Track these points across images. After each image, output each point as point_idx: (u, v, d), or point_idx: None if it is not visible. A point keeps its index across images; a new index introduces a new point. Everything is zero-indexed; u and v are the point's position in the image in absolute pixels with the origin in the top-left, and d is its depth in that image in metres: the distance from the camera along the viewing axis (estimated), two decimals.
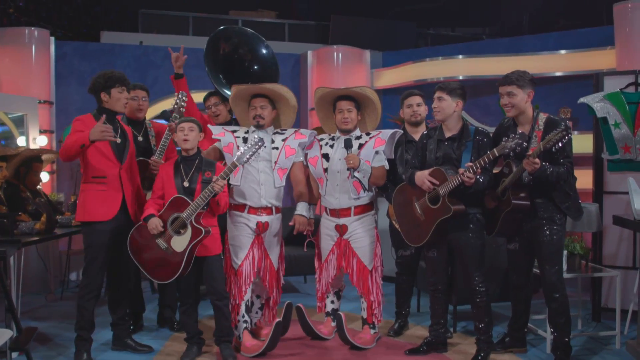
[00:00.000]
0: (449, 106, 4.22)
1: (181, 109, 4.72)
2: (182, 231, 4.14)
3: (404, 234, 4.45)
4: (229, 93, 5.07)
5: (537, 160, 3.85)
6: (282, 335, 4.78)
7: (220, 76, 5.30)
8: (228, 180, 4.30)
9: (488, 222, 4.25)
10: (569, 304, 4.16)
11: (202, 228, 4.13)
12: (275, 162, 4.51)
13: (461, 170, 3.98)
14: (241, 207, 4.50)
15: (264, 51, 5.54)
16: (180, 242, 4.15)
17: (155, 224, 4.14)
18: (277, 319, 4.40)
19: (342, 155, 4.54)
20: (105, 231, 4.25)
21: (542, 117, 4.13)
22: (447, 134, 4.26)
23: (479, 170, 3.96)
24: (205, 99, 5.33)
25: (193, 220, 4.12)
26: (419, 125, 4.87)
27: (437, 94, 4.25)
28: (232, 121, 5.22)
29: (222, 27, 5.49)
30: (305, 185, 4.66)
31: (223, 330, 4.38)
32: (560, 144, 3.81)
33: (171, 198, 4.16)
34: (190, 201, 4.13)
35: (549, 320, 4.24)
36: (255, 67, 5.49)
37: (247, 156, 4.14)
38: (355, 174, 4.45)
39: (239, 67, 5.43)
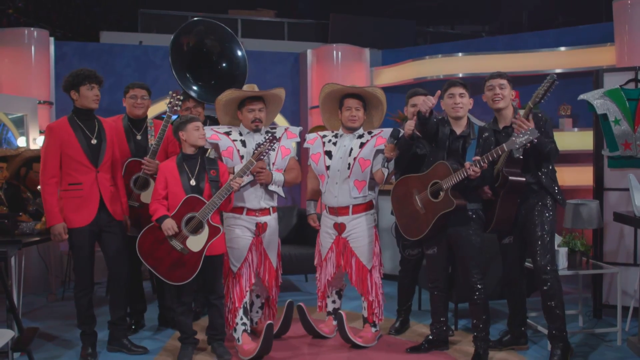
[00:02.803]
0: (468, 102, 4.26)
1: (175, 107, 4.71)
2: (198, 231, 4.15)
3: (402, 227, 4.42)
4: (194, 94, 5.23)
5: (527, 120, 3.91)
6: (283, 334, 4.79)
7: (188, 75, 5.28)
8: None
9: (485, 218, 4.26)
10: (560, 288, 4.14)
11: (219, 226, 4.15)
12: (273, 164, 4.52)
13: (467, 164, 3.98)
14: (239, 210, 4.48)
15: (239, 53, 5.52)
16: (197, 242, 4.15)
17: (170, 225, 4.11)
18: (269, 321, 4.34)
19: (344, 154, 4.55)
20: (83, 232, 4.28)
21: (521, 112, 4.20)
22: (458, 131, 4.26)
23: (485, 164, 3.95)
24: (183, 100, 5.24)
25: (209, 220, 4.13)
26: None
27: (458, 90, 4.22)
28: (207, 121, 5.21)
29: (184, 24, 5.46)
30: (299, 172, 4.73)
31: (217, 328, 4.39)
32: (549, 94, 3.90)
33: (184, 198, 4.14)
34: (205, 200, 4.13)
35: (542, 307, 4.19)
36: (224, 64, 5.47)
37: (265, 154, 4.20)
38: (387, 164, 4.46)
39: (206, 64, 5.41)
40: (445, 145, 4.20)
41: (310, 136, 4.83)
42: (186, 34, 5.36)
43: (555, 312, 4.12)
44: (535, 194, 4.19)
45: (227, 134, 4.58)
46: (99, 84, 4.35)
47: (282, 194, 4.58)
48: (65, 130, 4.27)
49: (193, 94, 5.21)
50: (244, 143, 4.53)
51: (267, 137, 4.25)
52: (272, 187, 4.50)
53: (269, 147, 4.20)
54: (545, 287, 4.12)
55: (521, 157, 4.04)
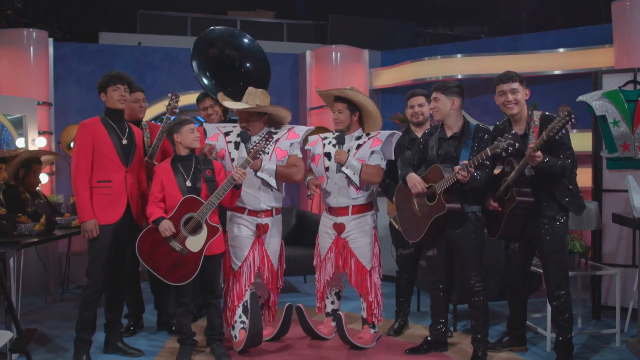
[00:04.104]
0: (444, 105, 4.23)
1: (174, 109, 4.76)
2: (196, 232, 4.14)
3: (403, 229, 4.47)
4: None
5: (539, 153, 3.86)
6: (282, 336, 4.78)
7: (213, 81, 5.24)
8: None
9: (491, 224, 4.25)
10: (571, 301, 4.17)
11: (217, 226, 4.15)
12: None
13: (456, 168, 3.99)
14: (241, 210, 4.50)
15: (247, 41, 5.45)
16: (196, 242, 4.14)
17: (167, 226, 4.10)
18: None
19: None
20: (107, 232, 4.26)
21: (537, 114, 4.16)
22: (449, 133, 4.26)
23: (472, 168, 3.96)
24: (200, 99, 5.28)
25: (208, 220, 4.12)
26: (422, 125, 4.86)
27: (432, 95, 4.28)
28: (227, 122, 5.21)
29: (203, 34, 5.37)
30: (300, 170, 4.56)
31: (216, 329, 4.40)
32: (564, 131, 3.80)
33: (182, 199, 4.13)
34: (202, 200, 4.13)
35: (552, 318, 4.24)
36: (248, 64, 5.45)
37: (260, 152, 4.17)
38: (343, 169, 4.46)
39: (229, 69, 5.38)
40: (435, 160, 4.23)
41: (311, 138, 4.84)
42: (211, 45, 5.32)
43: (565, 325, 4.14)
44: (546, 205, 4.12)
45: (227, 134, 4.60)
46: (125, 84, 4.35)
47: (274, 184, 4.43)
48: (98, 128, 4.29)
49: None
50: (237, 145, 4.52)
51: (263, 136, 4.22)
52: (260, 174, 4.38)
53: (265, 145, 4.17)
54: (556, 303, 4.14)
55: (532, 174, 4.02)
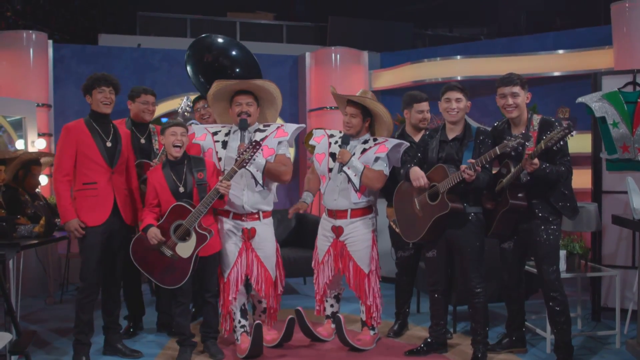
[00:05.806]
0: (465, 107, 4.23)
1: (186, 113, 4.80)
2: (186, 238, 4.14)
3: (402, 230, 4.46)
4: None
5: (536, 160, 3.87)
6: (285, 342, 4.75)
7: (203, 81, 5.25)
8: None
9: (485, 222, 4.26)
10: (568, 303, 4.16)
11: (206, 233, 4.14)
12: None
13: (463, 166, 3.99)
14: (225, 213, 4.46)
15: (236, 53, 5.46)
16: (186, 249, 4.15)
17: (153, 234, 4.12)
18: (257, 322, 4.37)
19: None
20: (97, 233, 4.25)
21: (536, 118, 4.16)
22: (451, 135, 4.26)
23: (479, 167, 3.96)
24: (195, 101, 5.39)
25: (197, 227, 4.12)
26: (423, 130, 4.84)
27: (454, 95, 4.19)
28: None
29: (195, 40, 5.38)
30: (288, 170, 4.48)
31: (212, 327, 4.43)
32: (562, 142, 3.81)
33: (171, 206, 4.14)
34: (191, 208, 4.12)
35: (549, 320, 4.24)
36: (237, 70, 5.44)
37: (246, 161, 4.11)
38: (345, 169, 4.44)
39: (221, 74, 5.38)
40: (436, 163, 4.23)
41: (317, 132, 4.77)
42: (207, 51, 5.33)
43: (563, 327, 4.14)
44: (540, 207, 4.12)
45: (215, 133, 4.53)
46: (109, 86, 4.33)
47: (260, 179, 4.36)
48: (82, 131, 4.29)
49: None
50: (224, 145, 4.46)
51: (251, 142, 4.15)
52: (249, 167, 4.28)
53: (253, 153, 4.11)
54: (552, 304, 4.13)
55: (529, 182, 4.02)
